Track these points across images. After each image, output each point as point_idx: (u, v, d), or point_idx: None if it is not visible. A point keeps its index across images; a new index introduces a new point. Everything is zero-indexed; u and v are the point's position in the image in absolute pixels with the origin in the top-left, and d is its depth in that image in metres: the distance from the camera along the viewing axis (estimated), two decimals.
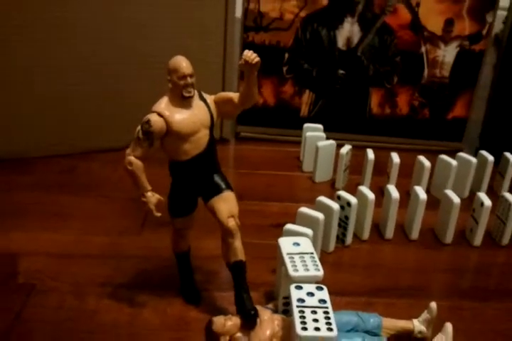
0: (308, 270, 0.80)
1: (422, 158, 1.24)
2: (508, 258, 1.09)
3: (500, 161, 1.28)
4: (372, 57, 1.41)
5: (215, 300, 0.92)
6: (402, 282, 1.00)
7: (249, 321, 0.80)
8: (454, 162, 1.21)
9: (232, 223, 0.82)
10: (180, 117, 0.79)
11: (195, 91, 0.80)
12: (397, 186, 1.11)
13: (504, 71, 1.38)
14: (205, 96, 0.83)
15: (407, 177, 1.27)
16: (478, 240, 1.10)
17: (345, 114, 1.47)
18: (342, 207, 1.04)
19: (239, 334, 0.79)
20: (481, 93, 1.45)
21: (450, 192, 1.09)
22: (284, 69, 1.43)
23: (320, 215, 0.98)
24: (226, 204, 0.82)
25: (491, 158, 1.24)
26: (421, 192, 1.08)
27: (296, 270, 0.80)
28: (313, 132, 1.34)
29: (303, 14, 1.38)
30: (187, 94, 0.79)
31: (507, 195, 1.09)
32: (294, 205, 1.04)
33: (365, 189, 1.09)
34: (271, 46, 1.40)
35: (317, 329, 0.70)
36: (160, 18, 1.26)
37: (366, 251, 1.08)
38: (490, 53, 1.42)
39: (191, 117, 0.80)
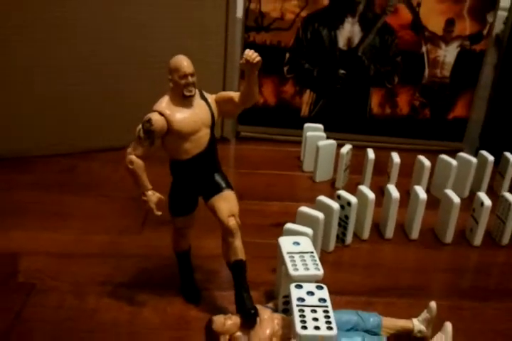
0: (308, 269, 0.80)
1: (422, 157, 1.24)
2: (508, 258, 1.09)
3: (500, 161, 1.28)
4: (373, 57, 1.41)
5: (215, 299, 0.92)
6: (402, 281, 1.01)
7: (249, 320, 0.80)
8: (454, 162, 1.22)
9: (232, 222, 0.82)
10: (181, 116, 0.79)
11: (196, 91, 0.80)
12: (397, 186, 1.12)
13: (505, 71, 1.38)
14: (206, 95, 0.83)
15: (407, 177, 1.27)
16: (478, 240, 1.10)
17: (345, 114, 1.47)
18: (342, 207, 1.04)
19: (239, 334, 0.79)
20: (482, 93, 1.45)
21: (450, 192, 1.09)
22: (285, 69, 1.43)
23: (320, 215, 0.98)
24: (226, 204, 0.82)
25: (491, 158, 1.24)
26: (421, 191, 1.09)
27: (296, 269, 0.80)
28: (314, 132, 1.34)
29: (304, 14, 1.38)
30: (188, 94, 0.79)
31: (507, 194, 1.09)
32: (294, 205, 1.04)
33: (365, 188, 1.09)
34: (272, 46, 1.40)
35: (317, 328, 0.70)
36: (160, 18, 1.26)
37: (366, 251, 1.08)
38: (490, 53, 1.43)
39: (192, 116, 0.80)
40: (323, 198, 1.04)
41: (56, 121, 1.29)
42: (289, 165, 1.37)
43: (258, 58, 0.78)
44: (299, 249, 0.84)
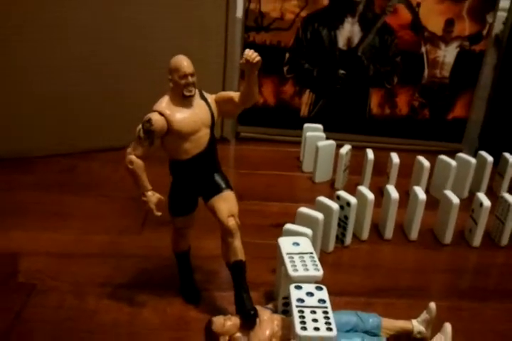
0: (307, 270, 0.80)
1: (421, 158, 1.24)
2: (507, 259, 1.09)
3: (499, 162, 1.29)
4: (373, 57, 1.41)
5: (215, 299, 0.92)
6: (401, 282, 1.01)
7: (248, 321, 0.80)
8: (453, 162, 1.22)
9: (232, 222, 0.82)
10: (181, 116, 0.79)
11: (196, 91, 0.80)
12: (397, 186, 1.12)
13: (504, 71, 1.38)
14: (206, 95, 0.83)
15: (406, 177, 1.27)
16: (477, 240, 1.10)
17: (345, 114, 1.47)
18: (341, 207, 1.04)
19: (238, 334, 0.79)
20: (481, 93, 1.45)
21: (449, 193, 1.09)
22: (285, 69, 1.43)
23: (319, 215, 0.98)
24: (226, 204, 0.82)
25: (490, 158, 1.25)
26: (420, 192, 1.09)
27: (296, 270, 0.80)
28: (313, 132, 1.34)
29: (304, 14, 1.38)
30: (188, 94, 0.79)
31: (506, 195, 1.09)
32: (294, 205, 1.04)
33: (364, 189, 1.09)
34: (271, 46, 1.40)
35: (316, 329, 0.70)
36: (160, 18, 1.26)
37: (365, 252, 1.08)
38: (490, 54, 1.43)
39: (192, 116, 0.80)
40: (322, 199, 1.04)
41: (56, 121, 1.29)
42: (288, 166, 1.38)
43: (258, 58, 0.78)
44: (298, 250, 0.84)
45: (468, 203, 1.14)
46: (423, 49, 1.40)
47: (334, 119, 1.46)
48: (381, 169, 1.28)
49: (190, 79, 0.78)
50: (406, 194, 1.18)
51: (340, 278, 1.00)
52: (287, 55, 1.42)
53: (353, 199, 1.05)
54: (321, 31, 1.39)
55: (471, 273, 1.06)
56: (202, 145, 0.82)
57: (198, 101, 0.81)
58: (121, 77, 1.29)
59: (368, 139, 1.47)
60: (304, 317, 0.71)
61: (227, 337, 0.79)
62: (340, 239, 1.08)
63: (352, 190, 1.13)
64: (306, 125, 1.38)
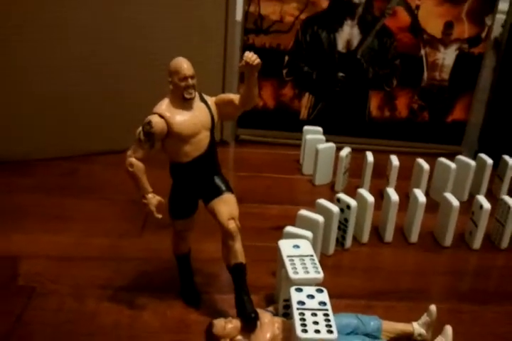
0: (308, 272, 0.80)
1: (421, 160, 1.24)
2: (507, 261, 1.09)
3: (499, 164, 1.29)
4: (372, 59, 1.41)
5: (216, 302, 0.92)
6: (401, 285, 1.01)
7: (249, 324, 0.80)
8: (453, 165, 1.22)
9: (232, 225, 0.82)
10: (181, 119, 0.79)
11: (196, 93, 0.81)
12: (397, 189, 1.12)
13: (503, 74, 1.39)
14: (206, 97, 0.83)
15: (406, 180, 1.27)
16: (477, 243, 1.10)
17: (344, 117, 1.47)
18: (342, 210, 1.04)
19: (239, 337, 0.79)
20: (481, 96, 1.45)
21: (449, 195, 1.09)
22: (284, 71, 1.43)
23: (320, 218, 0.98)
24: (226, 207, 0.82)
25: (489, 161, 1.25)
26: (420, 195, 1.09)
27: (296, 272, 0.80)
28: (313, 135, 1.34)
29: (303, 17, 1.38)
30: (188, 96, 0.79)
31: (506, 197, 1.09)
32: (294, 208, 1.04)
33: (364, 192, 1.09)
34: (271, 49, 1.40)
35: (317, 331, 0.70)
36: (160, 18, 1.26)
37: (366, 254, 1.08)
38: (489, 56, 1.43)
39: (192, 119, 0.80)
40: (322, 201, 1.04)
41: (56, 121, 1.29)
42: (288, 168, 1.38)
43: (258, 60, 0.78)
44: (298, 252, 0.84)
45: (468, 206, 1.14)
46: (422, 51, 1.40)
47: (334, 122, 1.46)
48: (381, 172, 1.28)
49: (190, 81, 0.78)
50: (406, 196, 1.18)
51: (341, 281, 0.99)
52: (287, 57, 1.42)
53: (353, 202, 1.05)
54: (320, 34, 1.40)
55: (471, 275, 1.06)
56: (202, 147, 0.82)
57: (198, 103, 0.81)
58: (121, 77, 1.29)
59: (367, 142, 1.47)
60: (304, 319, 0.71)
61: (228, 340, 0.79)
62: (340, 241, 1.08)
63: (352, 192, 1.13)
64: (305, 128, 1.38)
